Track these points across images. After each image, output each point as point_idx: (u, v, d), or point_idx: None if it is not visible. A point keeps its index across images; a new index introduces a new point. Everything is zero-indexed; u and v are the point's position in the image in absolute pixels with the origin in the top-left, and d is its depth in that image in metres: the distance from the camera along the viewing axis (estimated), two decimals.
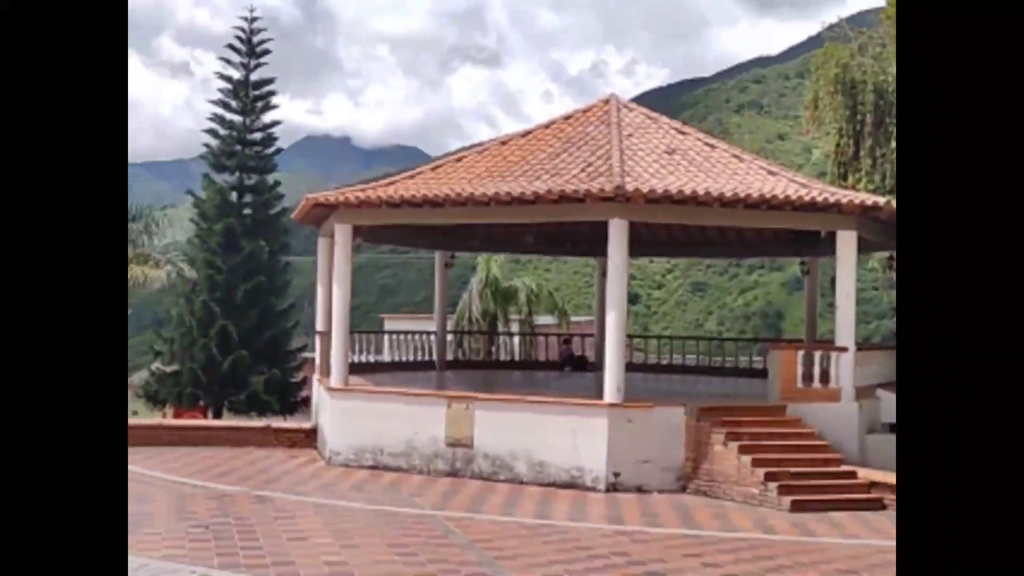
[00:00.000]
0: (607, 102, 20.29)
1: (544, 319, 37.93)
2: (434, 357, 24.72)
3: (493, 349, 29.99)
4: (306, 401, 32.85)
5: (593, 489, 15.88)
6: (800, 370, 16.96)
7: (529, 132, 20.02)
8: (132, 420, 34.47)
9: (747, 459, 15.23)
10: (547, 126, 20.06)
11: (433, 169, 19.56)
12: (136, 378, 50.58)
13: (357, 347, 21.84)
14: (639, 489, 15.88)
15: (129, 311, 49.51)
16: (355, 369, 20.32)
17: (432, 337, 25.10)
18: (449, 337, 26.28)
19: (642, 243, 21.98)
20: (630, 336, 20.70)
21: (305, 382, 33.40)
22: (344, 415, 18.34)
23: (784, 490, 14.69)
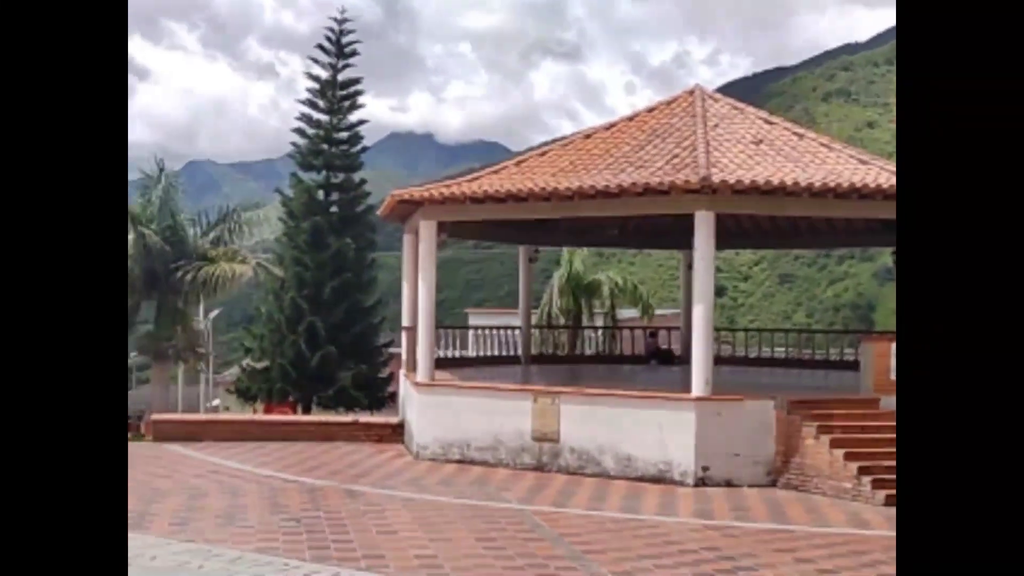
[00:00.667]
0: (692, 93, 20.08)
1: (628, 312, 37.70)
2: (518, 351, 24.76)
3: (577, 343, 29.92)
4: (393, 396, 33.09)
5: (681, 483, 15.74)
6: (893, 362, 16.57)
7: (613, 125, 19.90)
8: (225, 415, 35.23)
9: (839, 453, 14.94)
10: (631, 118, 19.92)
11: (517, 164, 19.55)
12: (228, 374, 51.66)
13: (442, 342, 21.98)
14: (728, 483, 15.69)
15: (220, 308, 50.48)
16: (441, 364, 20.44)
17: (516, 332, 25.14)
18: (533, 331, 26.28)
19: (728, 234, 21.71)
20: (717, 329, 20.45)
21: (392, 377, 33.62)
22: (431, 410, 18.46)
23: (878, 484, 14.37)
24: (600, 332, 30.33)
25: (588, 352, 28.09)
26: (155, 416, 25.01)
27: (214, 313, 49.28)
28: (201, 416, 33.75)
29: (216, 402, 52.43)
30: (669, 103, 20.08)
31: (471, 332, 25.63)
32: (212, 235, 38.80)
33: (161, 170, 40.63)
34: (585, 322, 34.49)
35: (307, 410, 33.62)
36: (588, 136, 19.83)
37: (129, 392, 68.65)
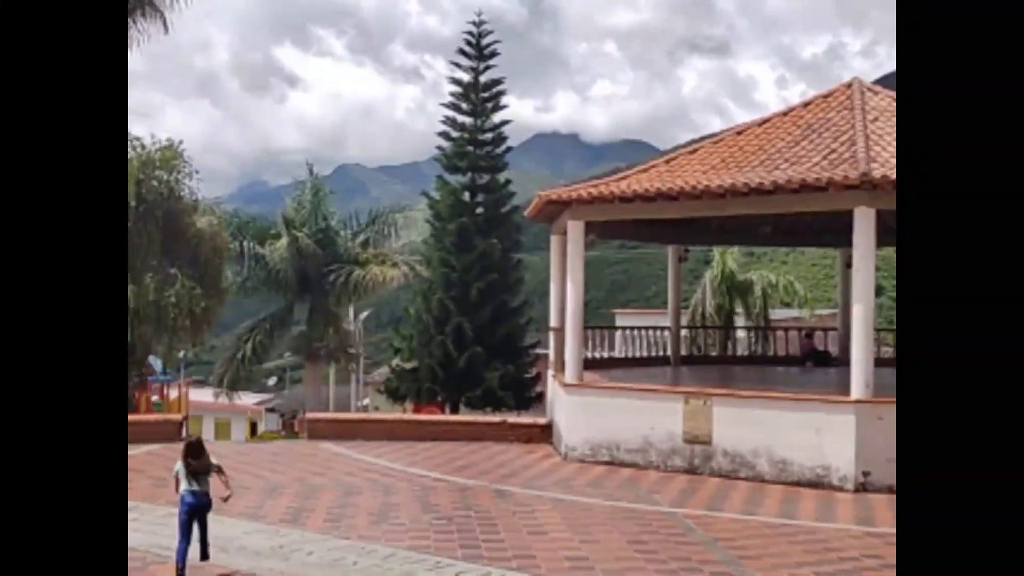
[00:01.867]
0: (849, 86, 19.37)
1: (781, 313, 36.81)
2: (668, 352, 24.40)
3: (728, 344, 29.34)
4: (540, 397, 33.10)
5: (840, 488, 15.17)
6: None
7: (766, 120, 19.37)
8: (376, 415, 35.85)
9: None
10: (785, 113, 19.38)
11: (667, 162, 19.23)
12: (377, 374, 52.69)
13: (589, 343, 21.79)
14: (891, 490, 15.02)
15: (370, 310, 51.48)
16: (588, 365, 20.27)
17: (665, 332, 24.79)
18: (683, 332, 25.86)
19: (887, 231, 20.86)
20: (877, 330, 19.70)
21: (539, 378, 33.68)
22: (580, 411, 18.31)
23: None
24: (752, 332, 29.65)
25: (740, 353, 27.48)
26: (309, 415, 25.60)
27: (364, 314, 50.33)
28: (353, 415, 34.41)
29: (366, 401, 53.56)
30: (825, 97, 19.43)
31: (618, 333, 25.36)
32: (362, 238, 39.62)
33: (312, 175, 41.73)
34: (737, 322, 33.82)
35: (455, 410, 33.93)
36: (740, 132, 19.37)
37: (283, 391, 70.78)
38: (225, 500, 10.43)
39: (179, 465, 10.26)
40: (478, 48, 37.33)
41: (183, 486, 10.16)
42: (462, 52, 37.35)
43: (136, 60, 28.41)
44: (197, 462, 10.23)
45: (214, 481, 10.37)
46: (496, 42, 37.64)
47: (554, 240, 21.24)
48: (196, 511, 10.12)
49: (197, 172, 35.61)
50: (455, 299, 34.67)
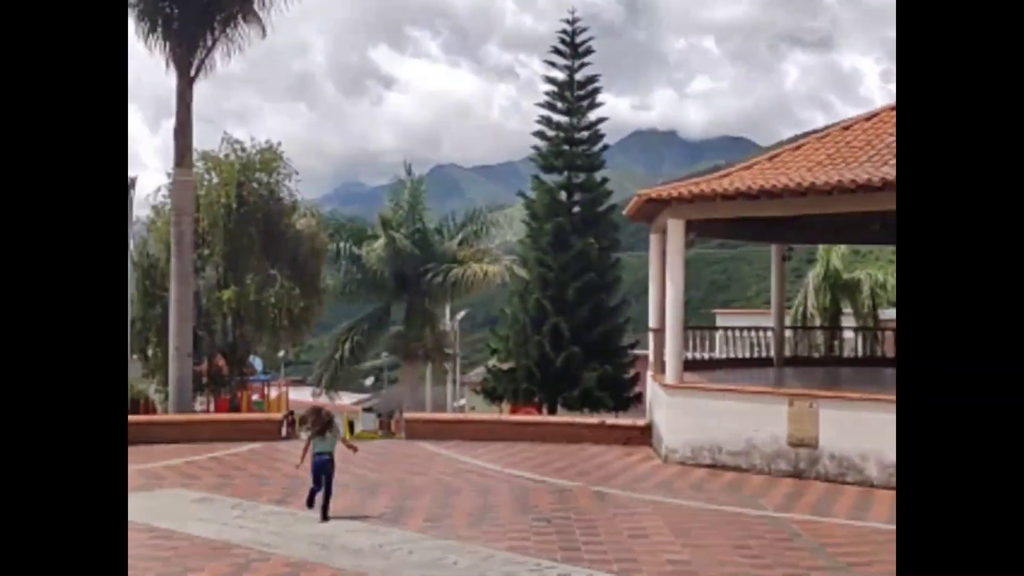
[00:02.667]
0: None
1: (890, 313, 35.78)
2: (771, 353, 23.88)
3: (835, 344, 28.60)
4: (639, 398, 32.75)
5: None
6: None
7: (874, 115, 18.80)
8: (473, 415, 35.90)
9: None
10: (893, 108, 18.77)
11: (770, 159, 18.79)
12: (473, 374, 52.84)
13: (689, 344, 21.43)
14: None
15: (465, 310, 51.66)
16: (689, 366, 19.93)
17: (768, 333, 24.27)
18: (787, 332, 25.30)
19: None
20: None
21: (637, 379, 33.31)
22: (680, 412, 17.99)
23: None
24: (860, 333, 28.86)
25: (846, 354, 26.76)
26: (407, 415, 25.75)
27: (460, 315, 50.51)
28: (450, 415, 34.56)
29: (463, 402, 53.76)
30: None
31: (719, 333, 24.91)
32: (459, 237, 39.74)
33: (409, 175, 42.03)
34: (843, 322, 32.97)
35: (552, 411, 33.75)
36: (847, 127, 18.84)
37: (380, 391, 71.58)
38: (355, 451, 14.22)
39: (307, 432, 13.40)
40: (573, 46, 37.02)
41: (313, 447, 12.90)
42: (557, 51, 37.09)
43: (235, 64, 28.89)
44: (315, 424, 13.03)
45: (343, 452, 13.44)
46: (591, 39, 37.31)
47: (653, 239, 20.94)
48: (320, 467, 12.73)
49: (296, 173, 36.21)
50: (552, 299, 34.46)
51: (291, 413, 27.05)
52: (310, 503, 12.84)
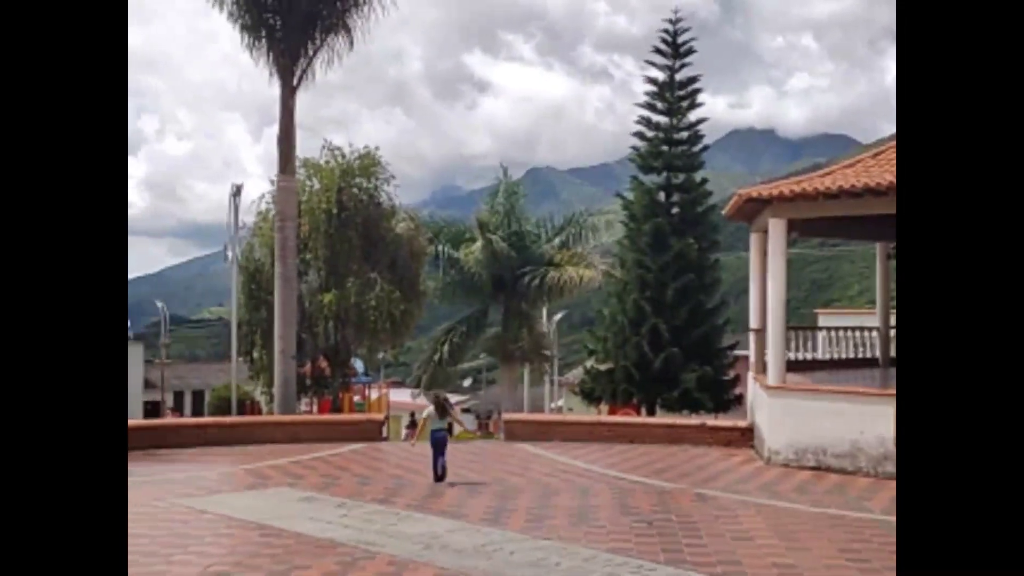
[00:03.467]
0: None
1: None
2: (876, 354, 23.37)
3: None
4: (739, 399, 32.36)
5: None
6: None
7: None
8: (571, 416, 35.88)
9: None
10: None
11: (874, 156, 18.41)
12: (571, 375, 52.83)
13: (792, 344, 21.10)
14: None
15: (563, 312, 51.64)
16: (791, 367, 19.61)
17: (873, 333, 23.76)
18: (892, 332, 24.74)
19: None
20: None
21: (738, 380, 32.92)
22: (783, 414, 17.72)
23: None
24: None
25: None
26: (505, 416, 25.82)
27: (558, 316, 50.54)
28: (549, 416, 34.60)
29: (560, 403, 53.78)
30: None
31: (821, 333, 24.46)
32: (557, 240, 39.77)
33: (506, 178, 42.24)
34: None
35: (651, 412, 33.55)
36: None
37: (478, 392, 71.91)
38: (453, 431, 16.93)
39: (429, 411, 16.62)
40: (674, 46, 36.61)
41: (430, 425, 16.26)
42: (657, 50, 36.69)
43: (334, 72, 29.32)
44: (436, 409, 16.51)
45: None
46: (693, 40, 36.87)
47: (754, 239, 20.68)
48: (436, 441, 16.09)
49: (394, 178, 36.68)
50: (650, 300, 34.23)
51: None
52: (435, 476, 15.86)
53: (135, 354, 60.58)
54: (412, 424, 24.30)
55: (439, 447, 16.04)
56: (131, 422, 27.75)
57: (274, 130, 28.25)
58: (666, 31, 36.73)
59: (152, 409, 54.31)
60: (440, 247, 39.96)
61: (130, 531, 12.07)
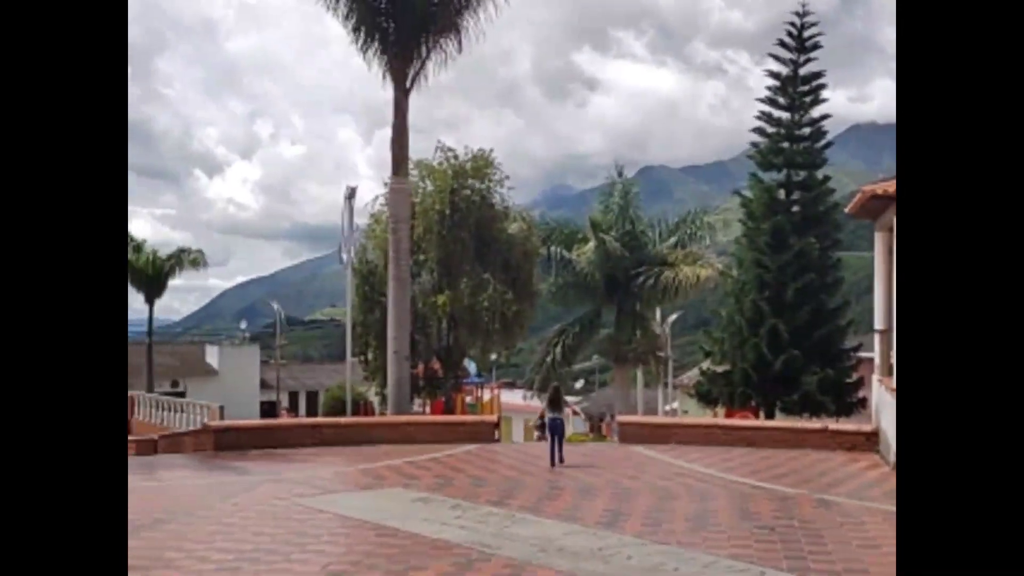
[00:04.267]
0: None
1: None
2: None
3: None
4: (862, 402, 31.39)
5: None
6: None
7: None
8: (688, 419, 35.37)
9: None
10: None
11: None
12: (685, 377, 52.15)
13: None
14: None
15: (677, 313, 51.08)
16: None
17: None
18: None
19: None
20: None
21: (861, 382, 31.91)
22: None
23: None
24: None
25: None
26: (620, 418, 25.57)
27: (672, 317, 49.95)
28: (664, 419, 34.13)
29: (675, 405, 53.16)
30: None
31: None
32: (672, 239, 39.25)
33: (620, 177, 41.88)
34: None
35: (769, 415, 32.79)
36: None
37: (590, 394, 71.70)
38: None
39: (545, 402, 18.49)
40: (799, 39, 35.57)
41: (547, 414, 19.06)
42: (781, 43, 35.75)
43: (445, 74, 29.36)
44: (552, 399, 19.57)
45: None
46: (819, 35, 35.75)
47: (878, 237, 19.97)
48: (554, 427, 18.42)
49: (507, 179, 36.69)
50: (769, 300, 33.41)
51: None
52: (553, 461, 17.83)
53: (252, 355, 62.16)
54: (542, 425, 26.05)
55: (557, 431, 18.30)
56: (251, 422, 28.44)
57: (385, 132, 28.46)
58: (792, 24, 35.75)
59: (268, 409, 55.52)
60: (552, 248, 39.82)
61: (252, 529, 12.31)
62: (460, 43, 28.63)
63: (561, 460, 17.88)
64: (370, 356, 36.36)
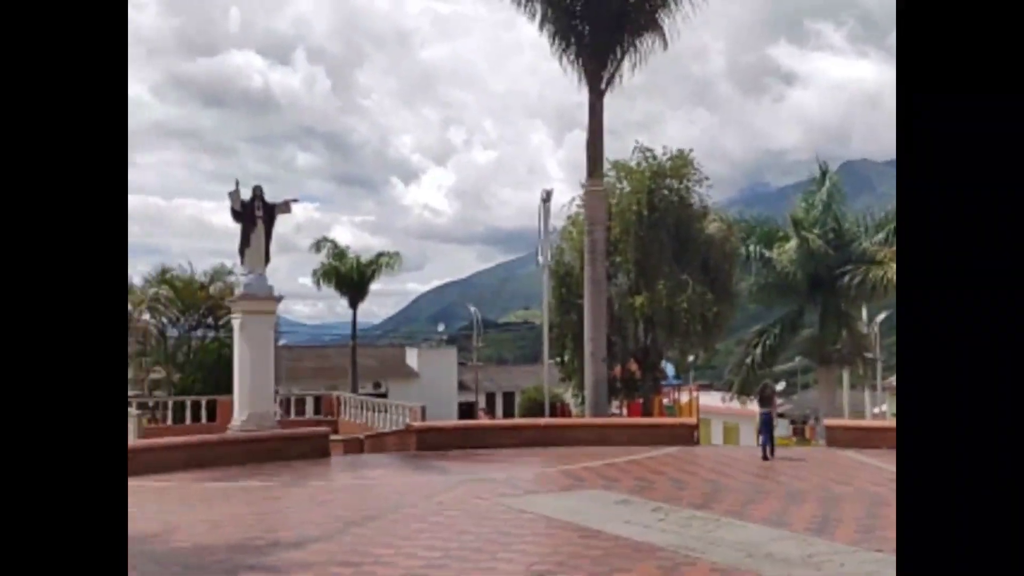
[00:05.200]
0: None
1: None
2: None
3: None
4: None
5: None
6: None
7: None
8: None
9: None
10: None
11: None
12: (894, 379, 49.99)
13: None
14: None
15: (886, 312, 49.04)
16: None
17: None
18: None
19: None
20: None
21: None
22: None
23: None
24: None
25: None
26: (827, 421, 24.84)
27: (881, 317, 48.07)
28: (876, 423, 32.83)
29: (883, 408, 51.12)
30: None
31: None
32: (878, 236, 37.68)
33: (825, 173, 40.55)
34: None
35: None
36: None
37: (792, 396, 69.88)
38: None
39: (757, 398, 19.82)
40: None
41: (759, 410, 20.55)
42: None
43: (640, 75, 29.10)
44: (763, 396, 20.96)
45: None
46: None
47: None
48: (765, 422, 19.93)
49: (707, 178, 36.13)
50: None
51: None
52: (764, 455, 19.07)
53: (449, 356, 63.50)
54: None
55: (767, 425, 19.78)
56: (451, 423, 29.04)
57: (576, 136, 29.36)
58: None
59: (467, 410, 56.56)
60: (751, 247, 38.94)
61: (458, 527, 12.54)
62: (664, 40, 28.33)
63: (772, 454, 19.22)
64: (566, 357, 36.51)
